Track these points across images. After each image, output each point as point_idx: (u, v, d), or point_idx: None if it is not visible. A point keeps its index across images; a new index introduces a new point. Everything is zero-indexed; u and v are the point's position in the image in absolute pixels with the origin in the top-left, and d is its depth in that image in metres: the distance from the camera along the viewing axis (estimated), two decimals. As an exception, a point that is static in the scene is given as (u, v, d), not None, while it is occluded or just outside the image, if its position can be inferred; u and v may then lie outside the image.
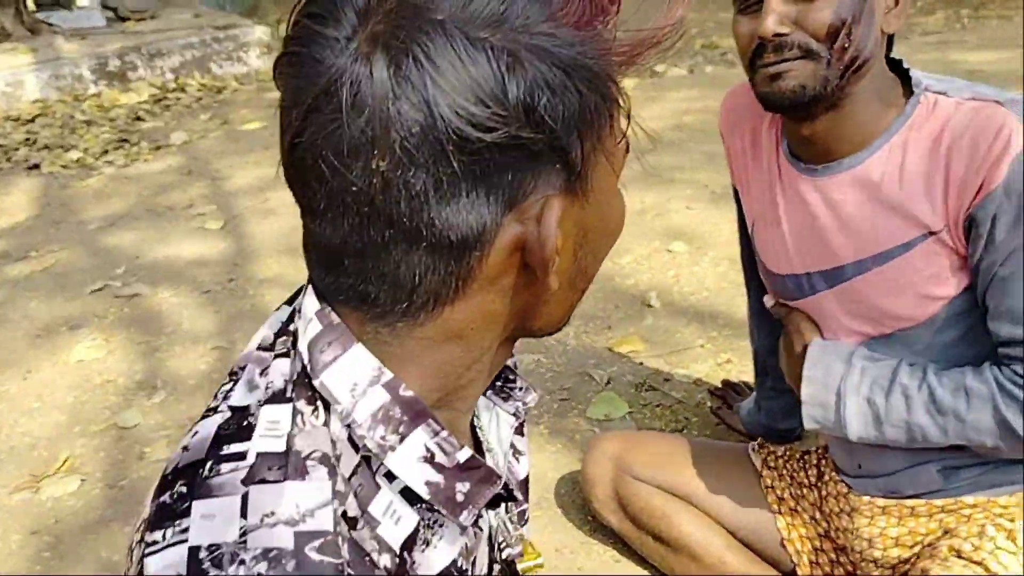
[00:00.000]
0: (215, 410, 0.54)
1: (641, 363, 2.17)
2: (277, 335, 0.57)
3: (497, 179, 0.47)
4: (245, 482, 0.48)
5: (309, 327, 0.53)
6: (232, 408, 0.53)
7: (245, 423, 0.51)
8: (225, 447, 0.50)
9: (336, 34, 0.46)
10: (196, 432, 0.53)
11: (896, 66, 1.14)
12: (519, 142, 0.46)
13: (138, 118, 5.03)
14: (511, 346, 0.59)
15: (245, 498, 0.48)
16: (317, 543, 0.47)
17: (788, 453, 1.47)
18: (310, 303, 0.53)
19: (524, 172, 0.48)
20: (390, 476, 0.53)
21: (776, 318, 1.33)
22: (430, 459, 0.53)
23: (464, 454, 0.54)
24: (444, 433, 0.53)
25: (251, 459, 0.49)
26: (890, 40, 1.12)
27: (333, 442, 0.51)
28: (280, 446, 0.50)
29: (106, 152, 4.42)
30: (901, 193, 1.08)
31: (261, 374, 0.54)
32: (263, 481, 0.48)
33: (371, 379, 0.52)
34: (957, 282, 1.09)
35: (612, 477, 1.53)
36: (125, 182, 3.92)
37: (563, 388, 2.10)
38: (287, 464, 0.49)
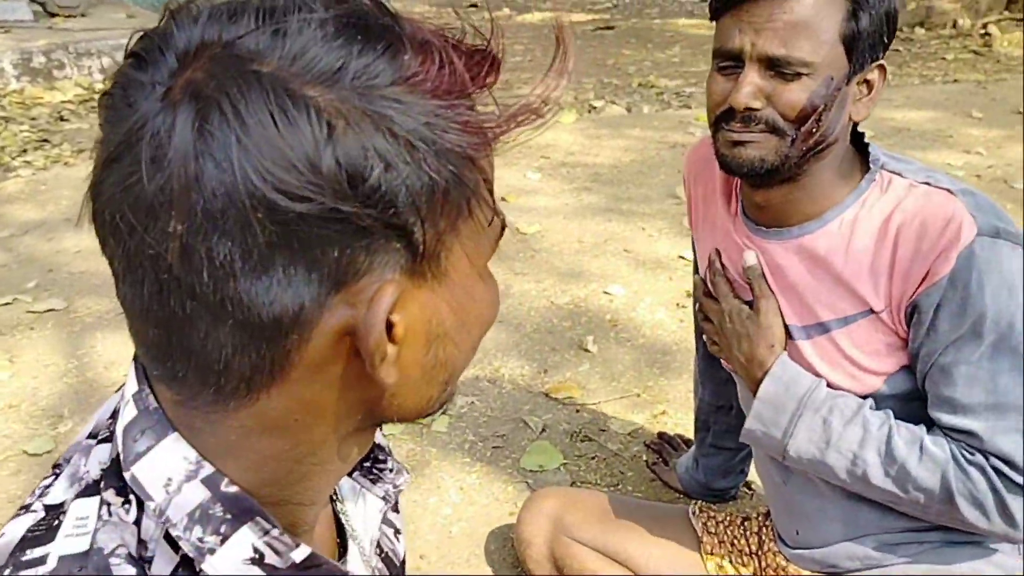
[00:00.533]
0: (28, 508, 0.48)
1: (577, 410, 2.14)
2: (111, 417, 0.50)
3: (319, 255, 0.41)
4: None
5: (126, 410, 0.47)
6: (47, 507, 0.48)
7: (56, 522, 0.46)
8: (28, 551, 0.45)
9: (151, 78, 0.41)
10: (2, 535, 0.47)
11: (857, 138, 1.14)
12: (340, 216, 0.40)
13: (62, 118, 4.82)
14: (371, 432, 0.53)
15: None
16: None
17: (729, 519, 1.45)
18: (130, 382, 0.48)
19: (354, 249, 0.42)
20: None
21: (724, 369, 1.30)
22: (258, 560, 0.47)
23: (301, 553, 0.48)
24: (276, 531, 0.47)
25: (51, 564, 0.44)
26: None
27: (143, 541, 0.46)
28: (83, 545, 0.45)
29: (24, 152, 4.21)
30: (845, 269, 1.08)
31: (85, 465, 0.49)
32: None
33: (187, 474, 0.46)
34: (895, 361, 1.09)
35: (548, 537, 1.48)
36: (43, 186, 3.72)
37: (497, 435, 2.05)
38: (87, 565, 0.44)
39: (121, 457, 0.46)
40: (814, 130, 1.01)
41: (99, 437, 0.50)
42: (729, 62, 1.03)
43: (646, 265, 2.90)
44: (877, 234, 1.05)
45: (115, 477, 0.47)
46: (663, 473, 1.85)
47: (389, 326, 0.44)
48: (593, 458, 1.97)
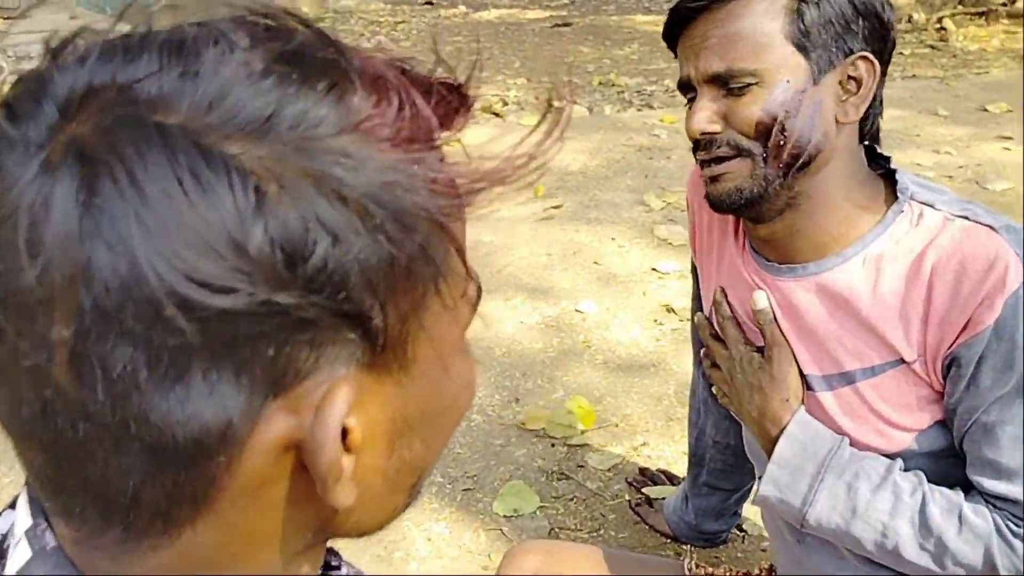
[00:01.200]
0: None
1: (553, 444, 2.00)
2: None
3: (249, 354, 0.32)
4: None
5: (16, 551, 0.38)
6: None
7: None
8: None
9: (24, 136, 0.31)
10: None
11: (880, 163, 1.01)
12: (277, 309, 0.31)
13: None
14: (323, 547, 0.43)
15: None
16: None
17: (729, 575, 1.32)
18: (21, 514, 0.38)
19: (294, 345, 0.32)
20: None
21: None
22: None
23: None
24: None
25: None
26: (874, 133, 0.99)
27: None
28: None
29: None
30: (872, 312, 0.95)
31: None
32: None
33: None
34: (928, 416, 0.97)
35: (531, 602, 1.34)
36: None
37: (467, 475, 1.90)
38: None
39: None
40: (782, 142, 0.91)
41: None
42: (689, 94, 0.97)
43: (618, 279, 2.77)
44: (908, 273, 0.93)
45: None
46: (648, 515, 1.72)
47: (343, 433, 0.34)
48: (572, 499, 1.83)
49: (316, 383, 0.34)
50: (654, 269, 2.82)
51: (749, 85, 0.90)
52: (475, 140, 4.38)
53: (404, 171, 0.33)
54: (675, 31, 0.96)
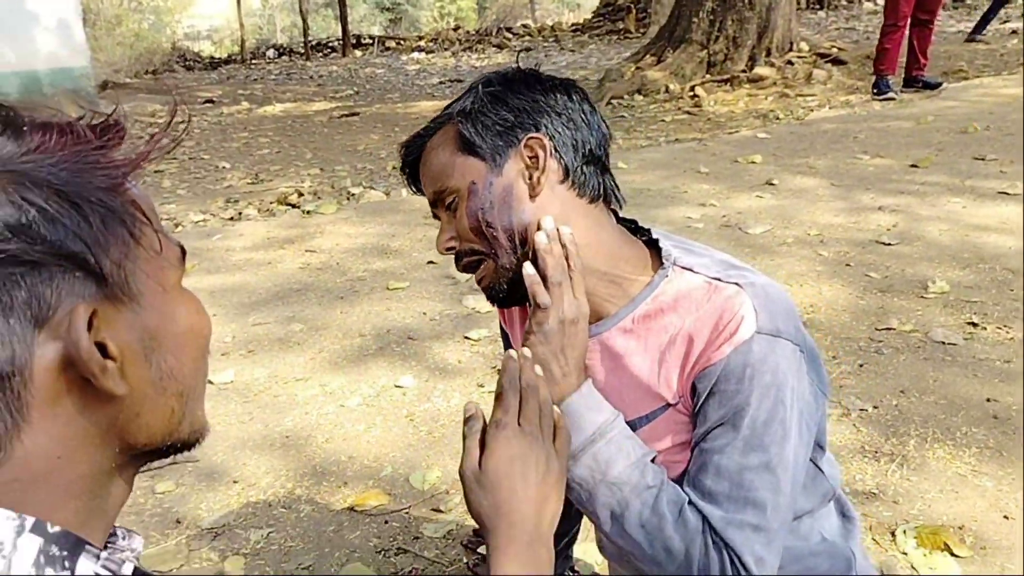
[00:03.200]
0: None
1: (386, 521, 2.00)
2: None
3: (10, 300, 0.49)
4: None
5: None
6: None
7: None
8: None
9: None
10: None
11: (643, 233, 1.13)
12: (9, 255, 0.48)
13: None
14: (132, 471, 0.60)
15: None
16: None
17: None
18: None
19: (37, 285, 0.49)
20: None
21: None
22: None
23: (128, 568, 0.56)
24: (104, 554, 0.54)
25: None
26: (606, 194, 1.08)
27: None
28: None
29: None
30: (641, 368, 1.07)
31: None
32: None
33: (16, 530, 0.50)
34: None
35: None
36: None
37: (301, 567, 1.86)
38: None
39: None
40: (494, 233, 1.02)
41: None
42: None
43: (433, 351, 2.84)
44: (669, 329, 1.05)
45: None
46: (486, 572, 1.77)
47: (103, 348, 0.52)
48: (411, 571, 1.84)
49: (63, 313, 0.50)
50: (466, 337, 2.91)
51: (453, 200, 1.04)
52: (276, 230, 4.35)
53: (78, 162, 0.52)
54: (414, 183, 1.14)
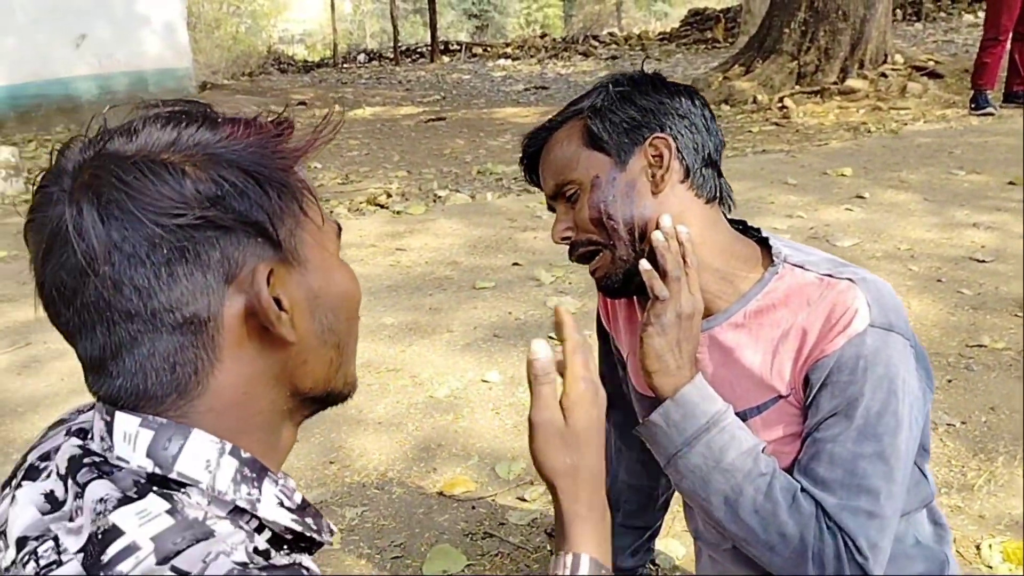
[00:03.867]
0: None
1: (473, 506, 2.09)
2: (75, 477, 0.61)
3: (207, 259, 0.59)
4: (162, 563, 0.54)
5: (139, 440, 0.60)
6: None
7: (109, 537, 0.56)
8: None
9: (56, 190, 0.60)
10: None
11: (753, 233, 1.18)
12: (208, 220, 0.58)
13: None
14: (299, 418, 0.70)
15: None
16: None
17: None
18: (125, 421, 0.60)
19: (228, 248, 0.60)
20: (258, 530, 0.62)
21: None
22: (281, 504, 0.63)
23: (298, 496, 0.65)
24: (282, 481, 0.64)
25: (146, 547, 0.55)
26: (721, 196, 1.14)
27: (206, 515, 0.58)
28: (167, 521, 0.56)
29: None
30: (753, 361, 1.11)
31: (100, 503, 0.57)
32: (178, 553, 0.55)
33: (219, 451, 0.61)
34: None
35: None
36: None
37: (394, 544, 1.96)
38: (190, 528, 0.56)
39: (157, 468, 0.59)
40: (614, 225, 1.09)
41: (76, 489, 0.60)
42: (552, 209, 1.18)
43: (519, 349, 2.92)
44: (783, 324, 1.09)
45: (150, 488, 0.58)
46: (569, 560, 1.82)
47: (278, 302, 0.62)
48: (496, 555, 1.92)
49: (248, 271, 0.61)
50: (551, 337, 2.99)
51: (575, 192, 1.10)
52: (367, 230, 4.51)
53: (260, 148, 0.63)
54: (529, 169, 1.21)
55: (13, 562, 0.59)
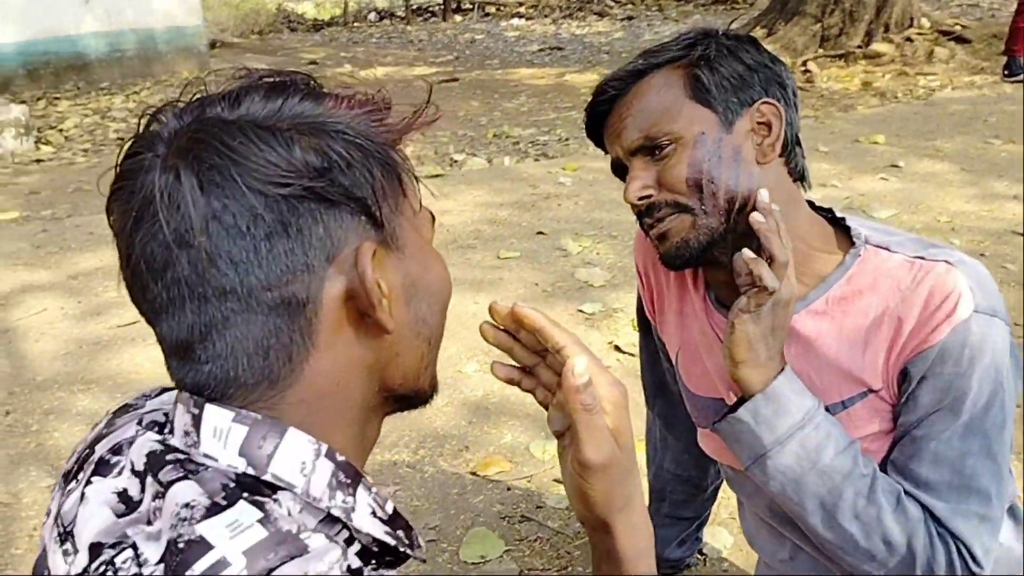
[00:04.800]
0: None
1: (508, 488, 2.01)
2: (142, 479, 0.56)
3: (308, 235, 0.54)
4: None
5: (231, 436, 0.54)
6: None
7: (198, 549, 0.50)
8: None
9: (150, 156, 0.55)
10: None
11: (823, 213, 1.08)
12: (314, 193, 0.54)
13: None
14: (382, 416, 0.64)
15: None
16: None
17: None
18: (217, 415, 0.55)
19: (332, 224, 0.55)
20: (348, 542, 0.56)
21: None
22: (374, 514, 0.57)
23: (390, 506, 0.58)
24: (375, 489, 0.58)
25: (237, 562, 0.49)
26: (801, 173, 1.05)
27: (299, 527, 0.53)
28: (260, 534, 0.51)
29: None
30: (839, 353, 1.01)
31: (183, 506, 0.52)
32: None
33: (315, 453, 0.55)
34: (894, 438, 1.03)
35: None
36: None
37: (428, 527, 1.89)
38: (284, 543, 0.51)
39: (251, 469, 0.53)
40: (714, 190, 0.97)
41: (155, 488, 0.54)
42: (622, 173, 1.04)
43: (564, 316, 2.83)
44: (872, 312, 0.99)
45: (246, 492, 0.53)
46: (612, 547, 1.76)
47: (378, 284, 0.56)
48: (536, 540, 1.85)
49: (351, 250, 0.55)
50: (580, 310, 2.89)
51: (670, 145, 0.97)
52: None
53: (366, 121, 0.57)
54: (597, 128, 1.05)
55: (85, 570, 0.54)
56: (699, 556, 1.76)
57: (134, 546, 0.53)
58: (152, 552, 0.52)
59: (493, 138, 5.96)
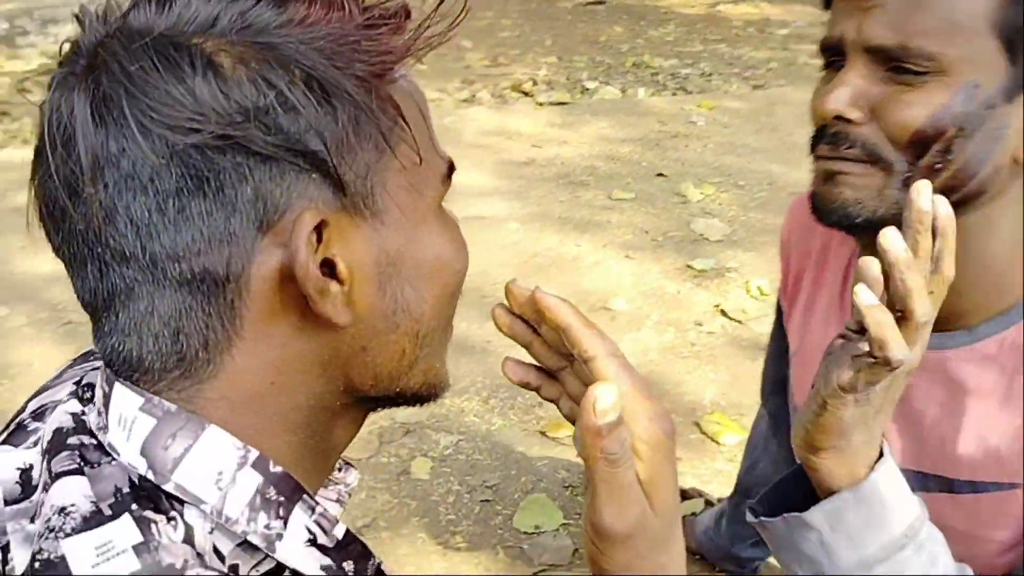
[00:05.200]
0: None
1: (577, 455, 1.88)
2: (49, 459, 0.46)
3: (233, 196, 0.42)
4: None
5: (135, 427, 0.44)
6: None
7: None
8: None
9: (66, 72, 0.44)
10: None
11: None
12: (232, 142, 0.41)
13: (23, 89, 4.48)
14: (358, 415, 0.52)
15: None
16: None
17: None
18: (124, 398, 0.45)
19: (267, 184, 0.42)
20: None
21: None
22: (313, 541, 0.47)
23: (340, 529, 0.48)
24: (319, 508, 0.47)
25: None
26: None
27: (200, 555, 0.43)
28: (129, 565, 0.40)
29: (-26, 129, 3.88)
30: (1000, 416, 0.75)
31: (57, 507, 0.43)
32: None
33: (239, 462, 0.45)
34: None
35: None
36: (-14, 173, 3.40)
37: (485, 485, 1.79)
38: None
39: (153, 473, 0.44)
40: (938, 164, 0.69)
41: (46, 477, 0.45)
42: (833, 58, 0.73)
43: (651, 275, 2.64)
44: None
45: (145, 499, 0.43)
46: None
47: (331, 264, 0.44)
48: (597, 516, 1.72)
49: (292, 218, 0.43)
50: (689, 266, 2.68)
51: (925, 74, 0.68)
52: (506, 121, 4.25)
53: (340, 46, 0.43)
54: None
55: None
56: (767, 564, 1.59)
57: (5, 548, 0.45)
58: (20, 559, 0.44)
59: (632, 67, 5.65)
